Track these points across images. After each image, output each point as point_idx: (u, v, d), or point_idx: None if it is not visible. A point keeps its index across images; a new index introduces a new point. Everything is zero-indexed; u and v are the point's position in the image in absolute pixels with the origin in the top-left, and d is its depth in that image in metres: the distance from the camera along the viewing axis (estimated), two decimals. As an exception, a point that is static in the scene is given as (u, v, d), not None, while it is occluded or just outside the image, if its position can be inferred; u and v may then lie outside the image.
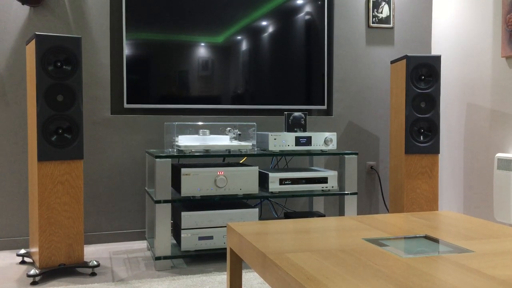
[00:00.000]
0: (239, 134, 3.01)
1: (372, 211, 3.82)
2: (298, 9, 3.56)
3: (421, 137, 3.16)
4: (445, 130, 3.75)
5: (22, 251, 2.75)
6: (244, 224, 1.81)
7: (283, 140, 2.94)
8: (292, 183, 2.88)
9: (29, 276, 2.39)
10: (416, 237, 1.63)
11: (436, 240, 1.58)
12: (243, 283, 2.43)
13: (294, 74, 3.56)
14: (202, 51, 3.36)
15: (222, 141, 2.88)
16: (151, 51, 3.27)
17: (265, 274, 1.39)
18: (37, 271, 2.41)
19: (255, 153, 2.84)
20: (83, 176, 3.16)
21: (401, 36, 3.84)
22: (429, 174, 3.18)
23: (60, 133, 2.48)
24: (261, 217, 3.46)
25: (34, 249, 2.56)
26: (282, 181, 2.87)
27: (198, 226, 2.69)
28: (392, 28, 3.80)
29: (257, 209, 2.80)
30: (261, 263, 1.42)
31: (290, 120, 3.09)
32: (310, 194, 2.87)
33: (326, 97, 3.65)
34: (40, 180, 2.45)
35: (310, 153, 2.94)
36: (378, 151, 3.81)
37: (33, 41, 2.44)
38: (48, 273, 2.57)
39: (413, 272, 1.22)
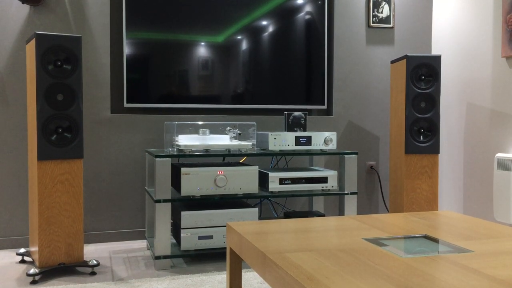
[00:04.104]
0: (239, 134, 3.01)
1: (372, 211, 3.82)
2: (298, 8, 3.56)
3: (421, 137, 3.16)
4: (445, 130, 3.75)
5: (22, 250, 2.75)
6: (244, 224, 1.81)
7: (283, 140, 2.94)
8: (292, 183, 2.88)
9: (28, 275, 2.39)
10: (416, 237, 1.63)
11: (436, 240, 1.58)
12: (242, 282, 2.43)
13: (294, 73, 3.56)
14: (202, 51, 3.36)
15: (222, 140, 2.88)
16: (151, 51, 3.27)
17: (265, 274, 1.39)
18: (36, 270, 2.41)
19: (255, 152, 2.84)
20: (83, 175, 3.17)
21: (401, 36, 3.84)
22: (429, 174, 3.18)
23: (60, 132, 2.48)
24: (261, 217, 3.46)
25: (34, 248, 2.56)
26: (282, 181, 2.87)
27: (198, 226, 2.69)
28: (392, 28, 3.80)
29: (257, 209, 2.81)
30: (261, 263, 1.42)
31: (290, 120, 3.09)
32: (310, 194, 2.87)
33: (326, 96, 3.65)
34: (40, 179, 2.45)
35: (310, 153, 2.94)
36: (378, 151, 3.81)
37: (33, 40, 2.44)
38: (48, 272, 2.57)
39: (412, 272, 1.22)
